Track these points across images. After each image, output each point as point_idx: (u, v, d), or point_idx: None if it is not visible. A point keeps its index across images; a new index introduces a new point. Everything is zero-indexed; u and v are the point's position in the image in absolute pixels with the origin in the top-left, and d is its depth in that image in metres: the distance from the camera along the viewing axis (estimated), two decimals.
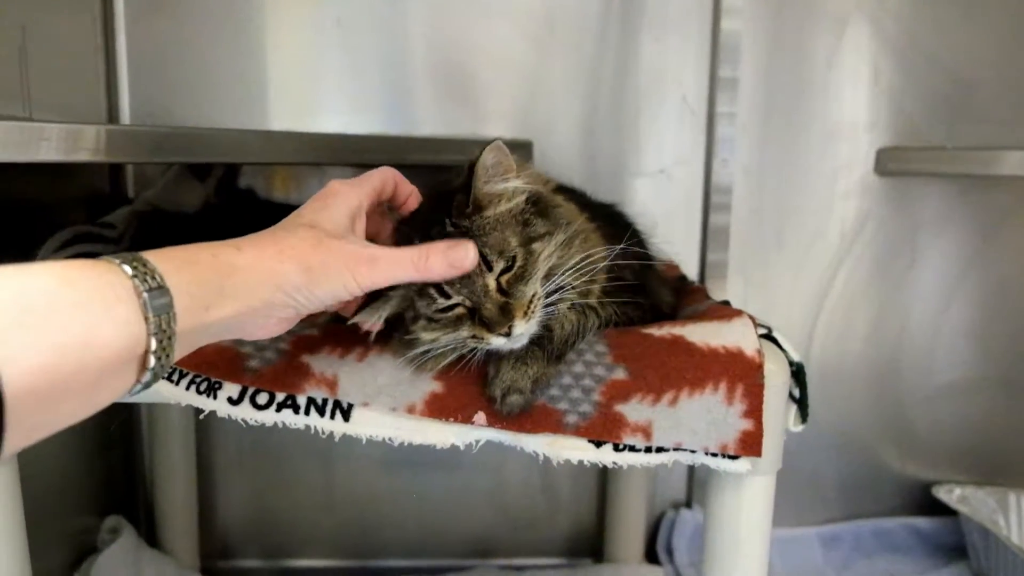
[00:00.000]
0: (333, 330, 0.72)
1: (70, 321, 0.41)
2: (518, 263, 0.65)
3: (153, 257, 0.47)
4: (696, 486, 1.38)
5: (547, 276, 0.67)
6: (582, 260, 0.68)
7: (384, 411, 0.70)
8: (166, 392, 0.69)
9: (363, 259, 0.59)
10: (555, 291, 0.67)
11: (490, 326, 0.63)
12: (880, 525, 1.40)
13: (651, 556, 1.37)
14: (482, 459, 1.36)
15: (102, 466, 1.22)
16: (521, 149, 1.24)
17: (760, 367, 0.71)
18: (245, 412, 0.69)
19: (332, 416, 0.70)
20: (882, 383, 1.40)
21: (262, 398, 0.70)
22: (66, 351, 0.40)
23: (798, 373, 0.76)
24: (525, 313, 0.64)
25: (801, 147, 1.32)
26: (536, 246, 0.66)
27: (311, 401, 0.70)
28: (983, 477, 1.41)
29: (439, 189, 0.72)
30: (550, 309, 0.67)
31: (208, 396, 0.69)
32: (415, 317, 0.66)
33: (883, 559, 1.38)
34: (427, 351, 0.67)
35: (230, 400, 0.69)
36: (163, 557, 1.24)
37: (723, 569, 0.78)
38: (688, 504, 1.39)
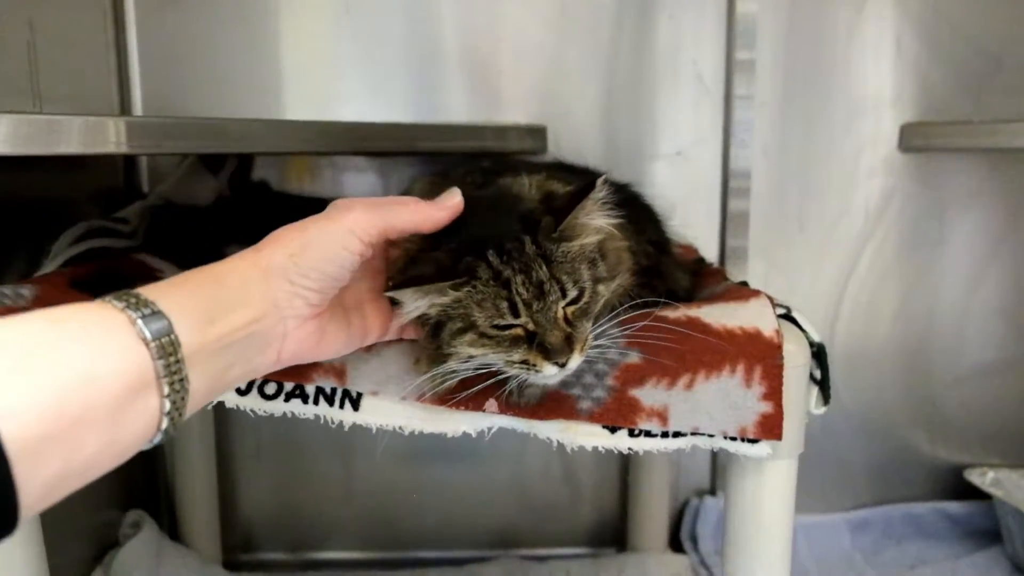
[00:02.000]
0: None
1: (67, 359, 0.40)
2: (584, 298, 0.63)
3: (143, 290, 0.46)
4: (720, 473, 1.36)
5: (596, 316, 0.65)
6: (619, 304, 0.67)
7: (394, 400, 0.69)
8: None
9: (345, 207, 0.56)
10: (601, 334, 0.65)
11: (549, 354, 0.60)
12: (910, 510, 1.37)
13: (675, 545, 1.35)
14: (502, 449, 1.36)
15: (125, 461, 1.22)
16: (535, 134, 1.22)
17: (779, 348, 0.69)
18: (253, 402, 0.69)
19: (341, 405, 0.69)
20: (911, 365, 1.36)
21: (270, 388, 0.69)
22: (68, 390, 0.39)
23: (819, 354, 0.73)
24: (583, 348, 0.62)
25: (822, 125, 1.29)
26: (600, 288, 0.64)
27: (320, 390, 0.69)
28: (1017, 460, 1.37)
29: (487, 197, 0.67)
30: (596, 347, 0.64)
31: None
32: (463, 329, 0.61)
33: (914, 545, 1.35)
34: (459, 370, 0.63)
35: (238, 391, 0.69)
36: (185, 550, 1.24)
37: (745, 556, 0.76)
38: (712, 491, 1.37)
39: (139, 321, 0.44)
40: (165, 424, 0.45)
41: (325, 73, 1.26)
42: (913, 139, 1.27)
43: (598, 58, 1.26)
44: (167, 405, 0.45)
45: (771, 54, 1.25)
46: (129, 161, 1.23)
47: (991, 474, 1.34)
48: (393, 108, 1.25)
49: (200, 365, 0.47)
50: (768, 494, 0.74)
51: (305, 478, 1.36)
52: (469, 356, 0.62)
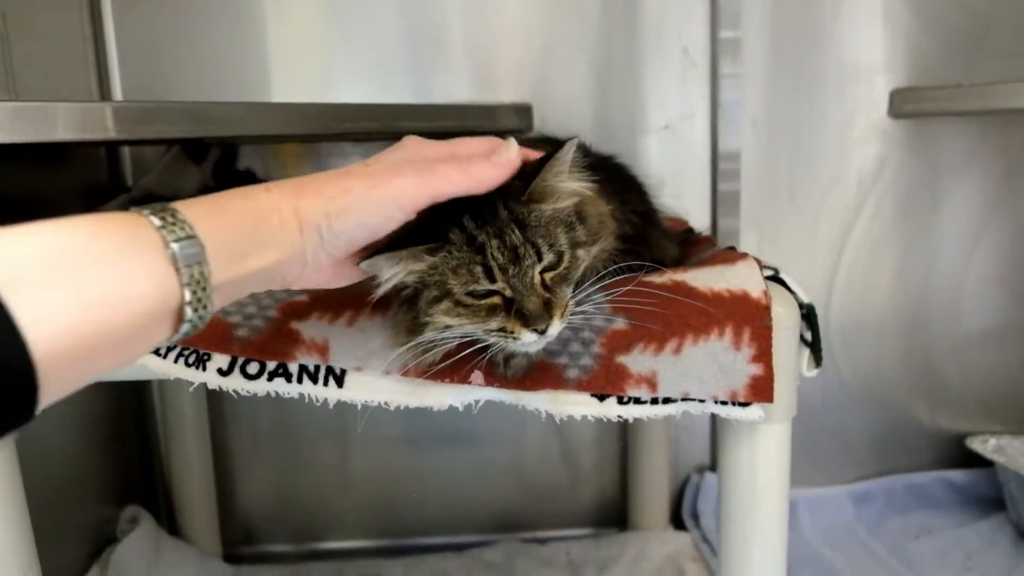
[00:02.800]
0: (323, 295, 0.70)
1: (99, 278, 0.39)
2: (564, 263, 0.61)
3: (183, 206, 0.45)
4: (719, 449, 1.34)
5: (578, 282, 0.64)
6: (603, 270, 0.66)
7: (378, 375, 0.67)
8: (154, 367, 0.67)
9: (392, 172, 0.54)
10: (587, 296, 0.64)
11: (528, 320, 0.59)
12: (913, 480, 1.37)
13: (677, 522, 1.34)
14: (501, 433, 1.35)
15: (119, 456, 1.22)
16: (521, 113, 1.21)
17: (767, 309, 0.68)
18: (236, 383, 0.68)
19: (325, 383, 0.68)
20: (908, 334, 1.35)
21: (253, 368, 0.68)
22: (97, 309, 0.39)
23: (809, 315, 0.72)
24: (562, 314, 0.60)
25: (812, 95, 1.27)
26: (580, 252, 0.63)
27: (303, 368, 0.68)
28: (1018, 426, 1.36)
29: None
30: (578, 313, 0.63)
31: (197, 368, 0.67)
32: (439, 297, 0.60)
33: (917, 515, 1.34)
34: (437, 341, 0.62)
35: (220, 371, 0.67)
36: (184, 545, 1.24)
37: (741, 523, 0.75)
38: (712, 468, 1.36)
39: (174, 245, 0.43)
40: (176, 338, 0.46)
41: (311, 57, 1.25)
42: (903, 105, 1.26)
43: (584, 35, 1.24)
44: (185, 327, 0.45)
45: (758, 22, 1.24)
46: (113, 154, 1.22)
47: (993, 441, 1.33)
48: (382, 91, 1.24)
49: (220, 293, 0.47)
50: (762, 459, 0.73)
51: (303, 468, 1.35)
52: (446, 326, 0.61)
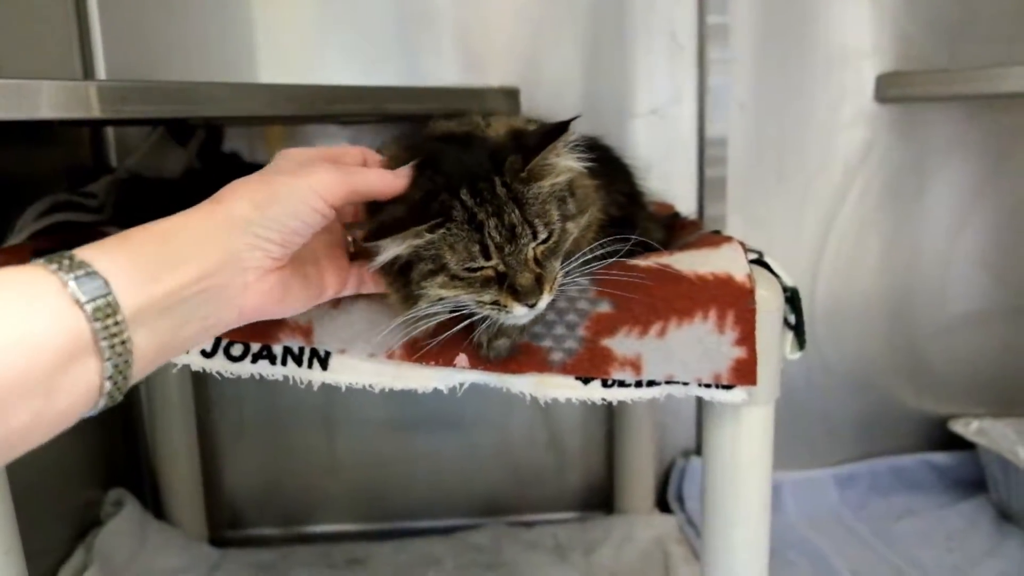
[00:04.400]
0: None
1: None
2: (554, 238, 0.62)
3: (79, 250, 0.44)
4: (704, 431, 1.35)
5: (567, 255, 0.64)
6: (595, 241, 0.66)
7: (363, 357, 0.67)
8: None
9: (309, 168, 0.55)
10: (576, 267, 0.64)
11: (520, 295, 0.60)
12: (897, 463, 1.38)
13: (663, 505, 1.35)
14: (488, 417, 1.36)
15: (103, 439, 1.21)
16: (509, 96, 1.20)
17: (751, 292, 0.68)
18: (220, 364, 0.67)
19: (310, 365, 0.68)
20: (893, 317, 1.36)
21: (236, 349, 0.68)
22: None
23: (792, 298, 0.72)
24: (551, 287, 0.62)
25: (799, 79, 1.27)
26: (570, 225, 0.63)
27: (287, 350, 0.68)
28: (1001, 409, 1.37)
29: (454, 138, 0.67)
30: (566, 284, 0.64)
31: None
32: (435, 271, 0.60)
33: (900, 497, 1.36)
34: (433, 313, 0.62)
35: (203, 353, 0.67)
36: (169, 528, 1.23)
37: (724, 504, 0.76)
38: (698, 452, 1.37)
39: (71, 283, 0.42)
40: (108, 388, 0.44)
41: (299, 39, 1.23)
42: (889, 89, 1.26)
43: (573, 19, 1.23)
44: (108, 369, 0.43)
45: (746, 7, 1.23)
46: (97, 135, 1.21)
47: (975, 423, 1.34)
48: (370, 73, 1.22)
49: (145, 326, 0.45)
50: (745, 440, 0.74)
51: (290, 452, 1.35)
52: (440, 298, 0.61)
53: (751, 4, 1.23)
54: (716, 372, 0.68)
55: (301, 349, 0.68)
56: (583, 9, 1.23)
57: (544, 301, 0.61)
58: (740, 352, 0.68)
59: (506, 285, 0.60)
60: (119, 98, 0.87)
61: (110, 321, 0.43)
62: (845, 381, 1.37)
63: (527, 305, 0.60)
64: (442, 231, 0.59)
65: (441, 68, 1.23)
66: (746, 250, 0.73)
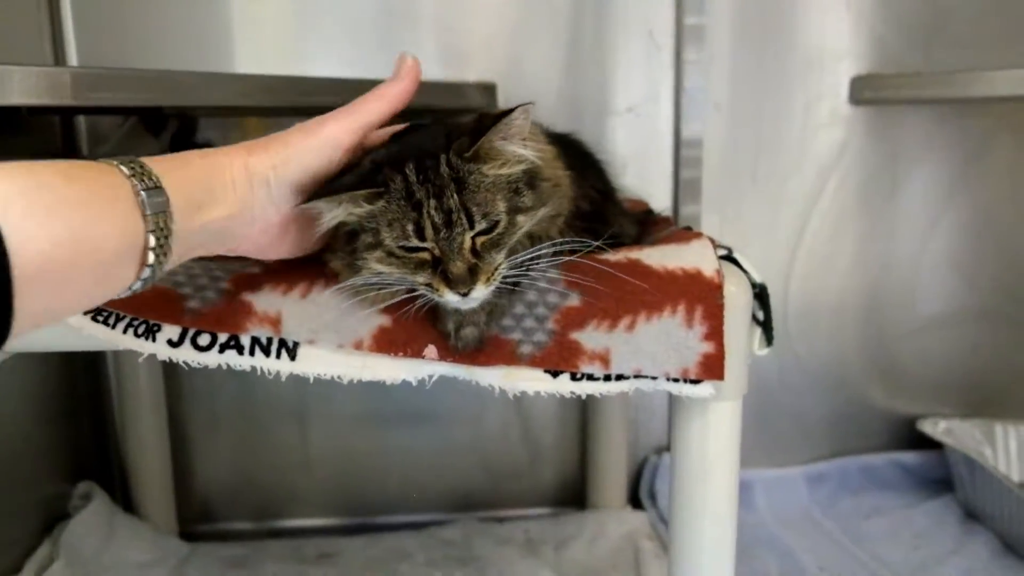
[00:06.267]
0: (275, 267, 0.69)
1: (74, 216, 0.43)
2: (498, 230, 0.62)
3: (149, 160, 0.50)
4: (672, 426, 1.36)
5: (531, 243, 0.65)
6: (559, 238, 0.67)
7: (331, 348, 0.67)
8: (102, 337, 0.66)
9: (321, 121, 0.60)
10: (527, 261, 0.64)
11: (451, 283, 0.60)
12: (866, 461, 1.40)
13: (635, 502, 1.36)
14: (462, 412, 1.36)
15: (72, 431, 1.20)
16: (485, 91, 1.21)
17: (719, 287, 0.68)
18: (186, 354, 0.67)
19: (278, 356, 0.67)
20: (865, 317, 1.38)
21: (203, 339, 0.67)
22: (71, 243, 0.42)
23: (761, 294, 0.73)
24: (488, 279, 0.61)
25: (774, 80, 1.29)
26: (520, 218, 0.63)
27: (255, 341, 0.67)
28: (969, 409, 1.40)
29: (427, 122, 0.70)
30: (512, 277, 0.63)
31: (147, 339, 0.66)
32: (373, 244, 0.61)
33: (869, 495, 1.37)
34: (374, 284, 0.63)
35: (170, 342, 0.66)
36: (138, 522, 1.23)
37: (692, 499, 0.76)
38: (670, 448, 1.37)
39: (143, 193, 0.47)
40: (137, 287, 0.50)
41: (277, 30, 1.23)
42: (863, 91, 1.28)
43: (552, 16, 1.24)
44: (147, 272, 0.49)
45: (723, 7, 1.24)
46: (68, 124, 1.19)
47: (943, 424, 1.36)
48: (349, 66, 1.22)
49: (179, 241, 0.51)
50: (713, 436, 0.74)
51: (262, 446, 1.35)
52: (378, 272, 0.62)
53: (728, 5, 1.24)
54: (684, 367, 0.68)
55: (269, 339, 0.67)
56: (563, 7, 1.23)
57: (478, 292, 0.61)
58: (708, 347, 0.68)
59: (439, 270, 0.60)
60: (91, 85, 0.87)
61: (163, 236, 0.49)
62: (816, 380, 1.38)
63: (458, 293, 0.60)
64: (381, 203, 0.60)
65: (422, 62, 1.23)
66: (715, 246, 0.73)
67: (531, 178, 0.65)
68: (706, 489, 0.75)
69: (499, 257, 0.62)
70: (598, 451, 1.32)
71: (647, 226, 0.91)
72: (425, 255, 0.61)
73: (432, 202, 0.59)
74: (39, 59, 1.13)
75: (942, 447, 1.34)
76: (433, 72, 1.22)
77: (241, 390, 1.31)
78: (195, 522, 1.33)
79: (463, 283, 0.60)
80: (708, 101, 1.26)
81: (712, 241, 0.74)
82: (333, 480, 1.36)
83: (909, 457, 1.38)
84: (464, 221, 0.60)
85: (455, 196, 0.60)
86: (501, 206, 0.62)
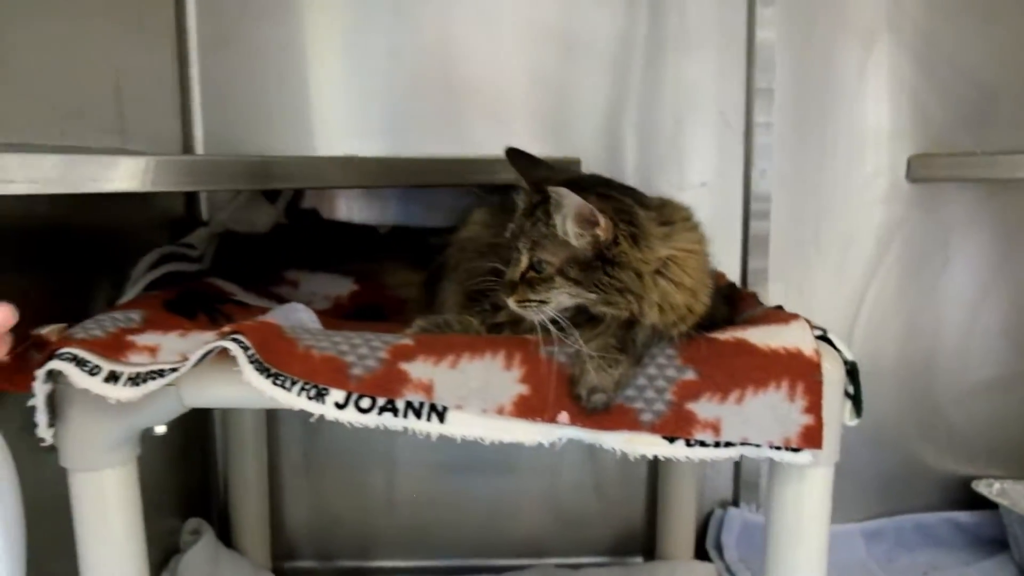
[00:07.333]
0: (426, 340, 0.78)
1: None
2: (541, 276, 0.78)
3: None
4: (743, 486, 1.43)
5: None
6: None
7: (476, 412, 0.76)
8: (281, 399, 0.74)
9: None
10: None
11: (503, 286, 0.80)
12: (921, 520, 1.45)
13: (700, 553, 1.42)
14: (538, 462, 1.43)
15: (183, 472, 1.29)
16: (571, 166, 1.31)
17: (819, 366, 0.77)
18: (350, 416, 0.75)
19: (428, 418, 0.76)
20: (918, 381, 1.45)
21: (365, 403, 0.75)
22: None
23: (852, 371, 0.81)
24: (519, 302, 0.78)
25: (835, 155, 1.38)
26: (559, 280, 0.77)
27: (409, 405, 0.76)
28: (1021, 471, 1.45)
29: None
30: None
31: (317, 401, 0.75)
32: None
33: (925, 553, 1.42)
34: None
35: (337, 405, 0.75)
36: (239, 557, 1.31)
37: (785, 559, 0.83)
38: (735, 502, 1.44)
39: None
40: None
41: (355, 110, 1.35)
42: (920, 170, 1.37)
43: (632, 95, 1.35)
44: None
45: (786, 87, 1.34)
46: (190, 192, 1.31)
47: (997, 485, 1.42)
48: (448, 145, 1.33)
49: None
50: (807, 499, 0.82)
51: (347, 489, 1.43)
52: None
53: (794, 88, 1.34)
54: (786, 436, 0.77)
55: (422, 404, 0.76)
56: (642, 88, 1.34)
57: (510, 302, 0.78)
58: (808, 419, 0.77)
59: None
60: (213, 173, 0.98)
61: None
62: (873, 440, 1.45)
63: (505, 297, 0.79)
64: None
65: (509, 139, 1.33)
66: (811, 327, 0.82)
67: (602, 262, 0.76)
68: (800, 548, 0.84)
69: (532, 295, 0.78)
70: (668, 503, 1.38)
71: (736, 303, 1.00)
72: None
73: (520, 223, 0.80)
74: (173, 136, 1.25)
75: (997, 507, 1.39)
76: (519, 145, 1.33)
77: (332, 437, 1.40)
78: (284, 559, 1.41)
79: (506, 291, 0.79)
80: (775, 174, 1.35)
81: (808, 322, 0.83)
82: (415, 524, 1.43)
83: (964, 516, 1.44)
84: (525, 245, 0.78)
85: (530, 228, 0.78)
86: (551, 258, 0.77)
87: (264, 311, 1.02)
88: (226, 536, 1.35)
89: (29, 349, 0.82)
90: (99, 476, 0.79)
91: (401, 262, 1.25)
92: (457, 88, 1.34)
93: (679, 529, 1.39)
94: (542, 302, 0.77)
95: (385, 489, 1.43)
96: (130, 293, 1.00)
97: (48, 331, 0.85)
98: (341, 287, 1.22)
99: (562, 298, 0.78)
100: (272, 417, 1.35)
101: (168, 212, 1.28)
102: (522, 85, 1.34)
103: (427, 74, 1.33)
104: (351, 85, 1.34)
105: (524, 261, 0.79)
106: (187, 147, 1.28)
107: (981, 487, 1.42)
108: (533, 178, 0.86)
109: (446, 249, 1.10)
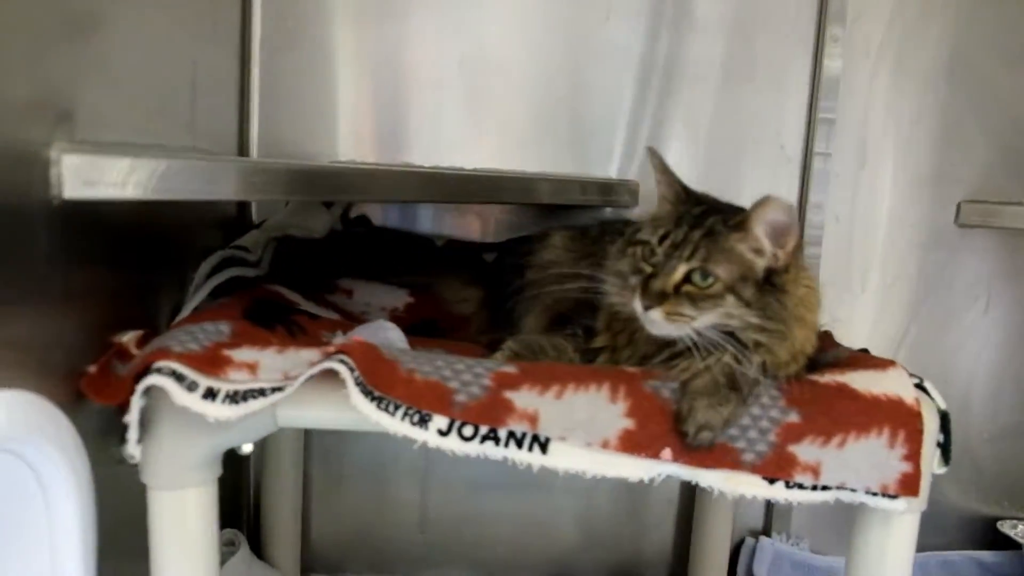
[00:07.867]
0: (528, 368, 0.77)
1: None
2: (705, 290, 0.76)
3: None
4: (775, 516, 1.44)
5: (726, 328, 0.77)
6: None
7: (580, 445, 0.75)
8: (386, 423, 0.73)
9: None
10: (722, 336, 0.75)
11: (642, 291, 0.76)
12: (946, 558, 1.47)
13: None
14: (571, 482, 1.41)
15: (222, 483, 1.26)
16: (630, 191, 1.30)
17: (920, 415, 0.78)
18: (452, 443, 0.73)
19: (530, 449, 0.75)
20: (952, 422, 1.46)
21: (468, 431, 0.74)
22: None
23: (944, 420, 0.82)
24: (669, 314, 0.75)
25: (886, 195, 1.39)
26: (730, 299, 0.73)
27: (511, 434, 0.75)
28: None
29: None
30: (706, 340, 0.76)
31: (420, 427, 0.73)
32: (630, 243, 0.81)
33: None
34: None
35: (439, 432, 0.74)
36: (271, 569, 1.28)
37: None
38: (765, 532, 1.45)
39: None
40: None
41: (433, 122, 1.32)
42: (969, 216, 1.38)
43: (691, 122, 1.34)
44: None
45: (847, 127, 1.35)
46: None
47: (1021, 526, 1.45)
48: (501, 162, 1.32)
49: None
50: (894, 545, 0.83)
51: (379, 504, 1.41)
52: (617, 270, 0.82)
53: (854, 126, 1.35)
54: (884, 483, 0.77)
55: (524, 434, 0.75)
56: (703, 118, 1.34)
57: (655, 315, 0.76)
58: (907, 467, 0.77)
59: (644, 279, 0.78)
60: (268, 182, 0.95)
61: None
62: None
63: (641, 304, 0.76)
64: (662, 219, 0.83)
65: (571, 162, 1.33)
66: (909, 375, 0.82)
67: (772, 284, 0.77)
68: None
69: (689, 312, 0.75)
70: (702, 530, 1.38)
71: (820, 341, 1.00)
72: (648, 268, 0.77)
73: (680, 231, 0.76)
74: (230, 137, 1.22)
75: (1021, 548, 1.41)
76: (581, 170, 1.33)
77: (367, 451, 1.38)
78: (313, 571, 1.39)
79: (648, 298, 0.76)
80: (829, 211, 1.36)
81: (905, 370, 0.83)
82: (445, 540, 1.42)
83: (988, 556, 1.46)
84: (687, 253, 0.75)
85: (697, 238, 0.76)
86: (722, 275, 0.75)
87: (332, 323, 1.01)
88: (256, 547, 1.32)
89: (112, 359, 0.80)
90: (181, 495, 0.77)
91: (457, 276, 1.23)
92: (526, 106, 1.33)
93: (712, 556, 1.39)
94: (692, 317, 0.76)
95: (418, 504, 1.41)
96: (196, 298, 0.98)
97: (128, 339, 0.83)
98: (396, 299, 1.20)
99: (715, 317, 0.76)
100: (307, 430, 1.33)
101: (221, 213, 1.25)
102: (594, 111, 1.33)
103: (493, 87, 1.31)
104: (420, 99, 1.33)
105: (680, 271, 0.77)
106: (242, 148, 1.26)
107: (1006, 528, 1.44)
108: (681, 184, 0.86)
109: (514, 268, 1.10)
